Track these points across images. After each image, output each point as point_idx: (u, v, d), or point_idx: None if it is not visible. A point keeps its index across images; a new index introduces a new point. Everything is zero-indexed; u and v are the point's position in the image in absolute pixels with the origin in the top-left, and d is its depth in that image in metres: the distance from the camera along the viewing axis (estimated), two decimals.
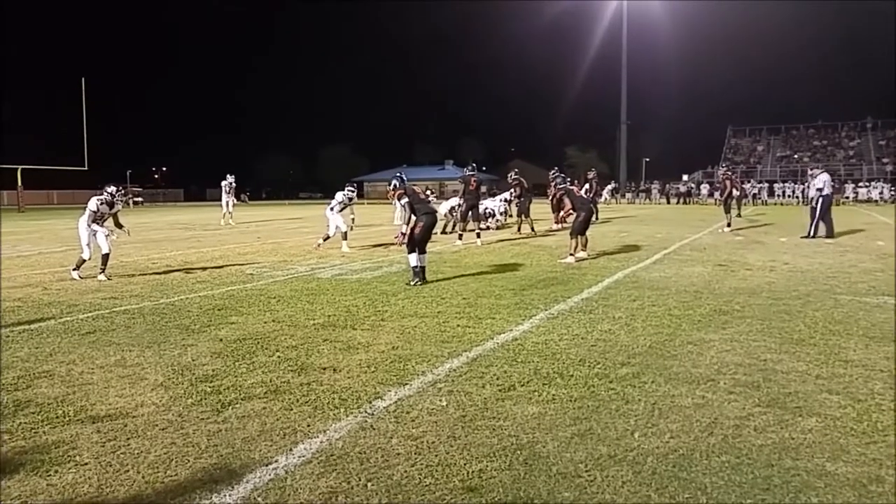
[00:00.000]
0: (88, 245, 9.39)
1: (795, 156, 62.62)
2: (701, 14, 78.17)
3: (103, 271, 9.37)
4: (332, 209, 13.18)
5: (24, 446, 3.42)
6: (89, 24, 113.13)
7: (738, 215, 23.82)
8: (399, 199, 8.94)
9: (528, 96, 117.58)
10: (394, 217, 21.97)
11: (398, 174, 9.19)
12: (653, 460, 3.19)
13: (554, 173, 15.83)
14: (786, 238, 15.02)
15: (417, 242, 8.53)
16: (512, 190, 17.84)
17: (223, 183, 22.72)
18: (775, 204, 41.90)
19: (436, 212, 9.40)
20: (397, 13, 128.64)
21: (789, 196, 45.20)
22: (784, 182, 48.90)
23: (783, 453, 3.26)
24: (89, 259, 9.43)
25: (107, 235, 9.45)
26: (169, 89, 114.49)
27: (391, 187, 9.07)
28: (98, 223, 9.47)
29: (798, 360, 4.87)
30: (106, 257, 9.42)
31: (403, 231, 8.55)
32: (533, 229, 16.89)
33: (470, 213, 14.49)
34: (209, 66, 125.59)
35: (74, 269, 9.50)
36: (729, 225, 17.34)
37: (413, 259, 8.52)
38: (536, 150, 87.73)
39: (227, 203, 22.62)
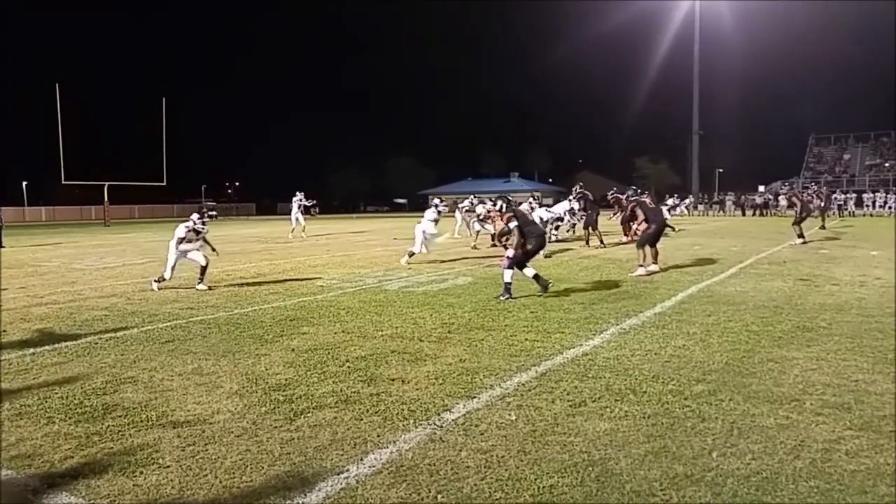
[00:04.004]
0: (173, 268, 9.77)
1: (887, 164, 59.27)
2: (777, 15, 75.41)
3: (202, 281, 9.82)
4: (423, 226, 12.98)
5: (112, 448, 3.59)
6: (170, 43, 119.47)
7: (822, 227, 22.76)
8: (509, 223, 8.49)
9: (596, 106, 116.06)
10: (454, 230, 22.01)
11: (505, 196, 8.86)
12: (733, 482, 3.05)
13: (611, 194, 16.28)
14: (878, 251, 14.17)
15: (520, 261, 8.37)
16: (574, 199, 17.61)
17: (294, 199, 23.54)
18: (864, 215, 39.74)
19: (545, 234, 9.12)
20: (461, 21, 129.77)
21: (880, 207, 42.69)
22: (875, 192, 46.26)
23: (878, 480, 3.06)
24: (169, 280, 9.85)
25: (198, 249, 9.86)
26: (239, 105, 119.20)
27: (497, 208, 8.76)
28: (184, 246, 9.85)
29: (893, 381, 4.57)
30: (204, 269, 9.82)
31: (510, 255, 8.25)
32: (602, 241, 16.61)
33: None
34: (271, 80, 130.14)
35: (155, 281, 9.96)
36: (801, 236, 16.61)
37: (508, 275, 8.27)
38: (605, 161, 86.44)
39: (298, 218, 23.33)
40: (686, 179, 61.72)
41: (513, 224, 8.44)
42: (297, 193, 23.56)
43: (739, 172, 64.87)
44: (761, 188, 51.51)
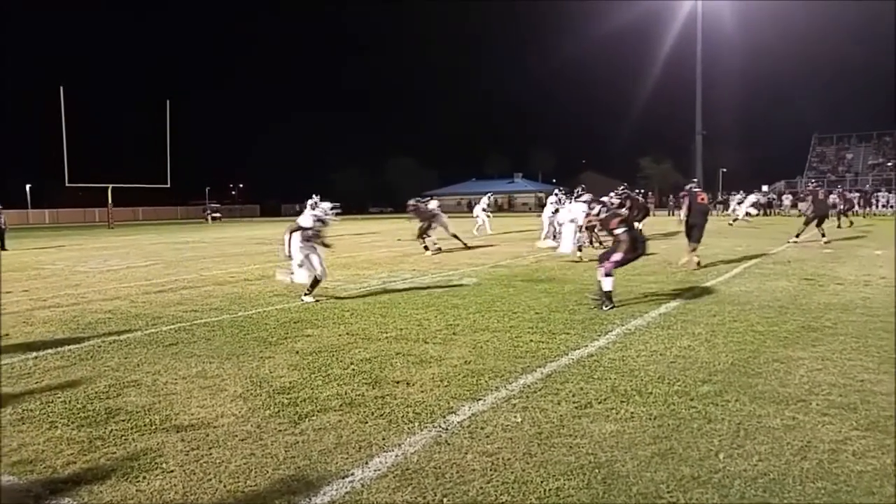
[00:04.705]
0: (301, 265, 8.43)
1: (889, 163, 59.16)
2: (779, 15, 75.23)
3: (310, 293, 8.56)
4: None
5: (115, 453, 3.57)
6: (172, 44, 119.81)
7: (839, 226, 23.11)
8: (618, 229, 7.81)
9: (599, 106, 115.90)
10: (475, 228, 22.89)
11: (598, 199, 8.30)
12: (740, 484, 3.03)
13: (622, 189, 18.17)
14: (881, 251, 14.12)
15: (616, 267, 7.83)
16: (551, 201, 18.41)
17: (309, 202, 24.11)
18: (867, 215, 39.59)
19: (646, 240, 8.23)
20: (462, 21, 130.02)
21: (884, 206, 42.64)
22: (877, 191, 46.22)
23: (885, 480, 3.04)
24: (308, 281, 8.52)
25: (320, 255, 8.59)
26: (242, 106, 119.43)
27: (595, 213, 8.17)
28: (310, 241, 8.52)
29: None
30: (317, 282, 8.60)
31: (617, 259, 7.63)
32: (601, 242, 16.55)
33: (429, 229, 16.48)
34: (273, 80, 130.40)
35: (306, 294, 8.56)
36: (798, 236, 16.91)
37: (609, 283, 7.64)
38: (608, 162, 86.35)
39: None
40: (689, 179, 61.61)
41: (621, 230, 7.77)
42: (314, 196, 24.20)
43: (743, 172, 64.77)
44: (765, 188, 51.36)
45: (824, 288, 8.84)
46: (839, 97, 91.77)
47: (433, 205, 17.29)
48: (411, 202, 17.06)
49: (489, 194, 26.21)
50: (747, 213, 28.86)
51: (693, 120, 57.55)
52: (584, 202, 12.99)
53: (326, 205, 8.79)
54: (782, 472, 3.13)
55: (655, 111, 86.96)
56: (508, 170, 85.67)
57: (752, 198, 32.41)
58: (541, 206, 25.00)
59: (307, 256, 8.41)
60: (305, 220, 8.51)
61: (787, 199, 45.94)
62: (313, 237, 8.51)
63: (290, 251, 8.42)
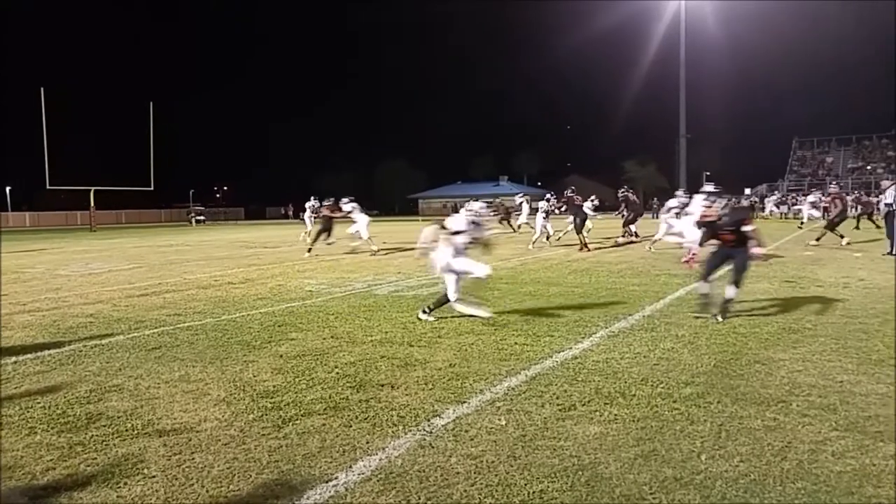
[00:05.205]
0: (457, 291, 7.13)
1: (868, 167, 60.09)
2: (763, 18, 76.22)
3: (467, 303, 7.26)
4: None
5: (95, 458, 3.53)
6: (157, 45, 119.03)
7: (857, 227, 23.83)
8: (748, 226, 7.26)
9: (585, 108, 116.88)
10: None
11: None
12: (722, 484, 3.06)
13: (622, 192, 19.08)
14: (861, 253, 14.32)
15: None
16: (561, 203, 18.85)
17: (307, 204, 24.73)
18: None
19: None
20: (452, 25, 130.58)
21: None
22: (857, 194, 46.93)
23: (864, 480, 3.08)
24: (488, 270, 7.17)
25: (470, 258, 7.18)
26: (228, 109, 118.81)
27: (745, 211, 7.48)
28: (464, 247, 7.13)
29: (878, 381, 4.61)
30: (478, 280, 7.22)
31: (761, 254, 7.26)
32: (586, 245, 16.61)
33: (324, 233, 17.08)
34: (260, 83, 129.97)
35: (424, 313, 7.26)
36: (841, 236, 16.99)
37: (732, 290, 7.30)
38: (593, 165, 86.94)
39: (307, 222, 24.44)
40: (674, 182, 62.12)
41: (751, 227, 7.35)
42: (312, 199, 24.73)
43: (726, 175, 65.49)
44: (747, 191, 51.94)
45: (805, 290, 8.95)
46: (820, 101, 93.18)
47: (349, 207, 17.75)
48: (326, 202, 17.78)
49: (479, 200, 26.29)
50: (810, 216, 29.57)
51: (677, 123, 58.03)
52: (704, 194, 11.45)
53: (477, 204, 7.43)
54: (763, 473, 3.17)
55: (640, 114, 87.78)
56: (494, 172, 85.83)
57: (812, 198, 32.53)
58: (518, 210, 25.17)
59: (464, 264, 7.13)
60: (459, 222, 7.09)
61: (769, 203, 46.42)
62: (463, 251, 7.13)
63: (438, 264, 7.21)
